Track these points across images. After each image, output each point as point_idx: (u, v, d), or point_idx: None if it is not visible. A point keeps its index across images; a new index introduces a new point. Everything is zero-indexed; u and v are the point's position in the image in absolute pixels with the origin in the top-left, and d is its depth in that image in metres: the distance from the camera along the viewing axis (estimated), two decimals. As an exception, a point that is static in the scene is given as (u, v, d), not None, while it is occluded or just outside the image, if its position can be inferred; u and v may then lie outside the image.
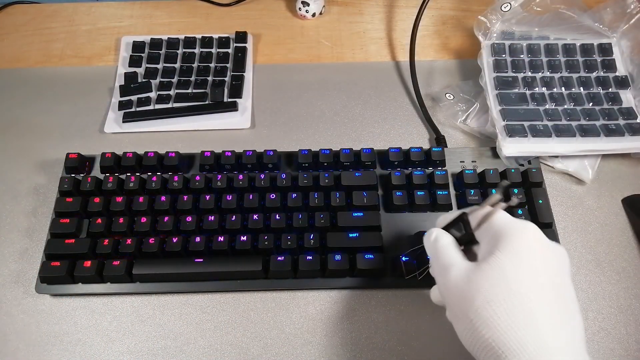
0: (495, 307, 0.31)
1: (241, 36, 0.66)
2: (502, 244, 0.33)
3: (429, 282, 0.40)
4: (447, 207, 0.51)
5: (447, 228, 0.39)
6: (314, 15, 0.69)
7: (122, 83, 0.62)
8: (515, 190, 0.51)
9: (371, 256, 0.47)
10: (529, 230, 0.34)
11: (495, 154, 0.55)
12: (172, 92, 0.61)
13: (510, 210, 0.50)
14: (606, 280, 0.50)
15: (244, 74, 0.63)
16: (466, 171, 0.52)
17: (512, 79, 0.58)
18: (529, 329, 0.30)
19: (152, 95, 0.61)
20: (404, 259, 0.47)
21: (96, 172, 0.54)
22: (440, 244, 0.37)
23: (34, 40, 0.68)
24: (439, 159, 0.53)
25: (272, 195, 0.50)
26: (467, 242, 0.37)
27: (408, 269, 0.46)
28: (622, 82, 0.58)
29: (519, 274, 0.32)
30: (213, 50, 0.65)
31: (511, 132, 0.54)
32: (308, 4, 0.68)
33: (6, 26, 0.69)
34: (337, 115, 0.61)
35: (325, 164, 0.53)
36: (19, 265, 0.51)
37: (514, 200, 0.39)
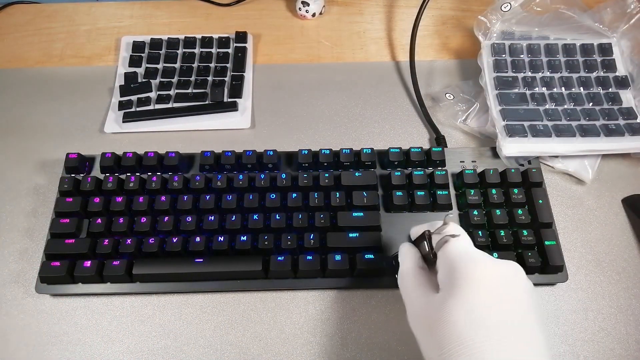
0: (452, 359, 0.31)
1: (241, 36, 0.66)
2: (455, 283, 0.34)
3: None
4: (447, 207, 0.51)
5: (417, 241, 0.41)
6: (314, 15, 0.69)
7: (122, 83, 0.62)
8: (515, 190, 0.51)
9: (371, 256, 0.47)
10: (478, 267, 0.34)
11: (495, 154, 0.55)
12: (172, 92, 0.61)
13: (511, 211, 0.50)
14: (606, 280, 0.50)
15: (244, 74, 0.63)
16: (466, 171, 0.52)
17: (512, 79, 0.58)
18: None
19: (152, 95, 0.61)
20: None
21: (96, 172, 0.54)
22: (404, 267, 0.39)
23: (34, 40, 0.68)
24: (439, 159, 0.53)
25: (272, 195, 0.50)
26: (431, 262, 0.38)
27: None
28: (622, 82, 0.58)
29: (469, 321, 0.32)
30: (213, 50, 0.65)
31: (511, 132, 0.54)
32: (308, 4, 0.68)
33: (6, 26, 0.69)
34: (337, 115, 0.61)
35: (325, 164, 0.53)
36: (19, 265, 0.51)
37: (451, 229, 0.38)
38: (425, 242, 0.38)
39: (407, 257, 0.39)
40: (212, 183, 0.52)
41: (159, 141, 0.59)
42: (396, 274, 0.40)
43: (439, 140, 0.58)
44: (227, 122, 0.60)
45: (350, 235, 0.49)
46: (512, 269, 0.35)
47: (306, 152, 0.53)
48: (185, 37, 0.65)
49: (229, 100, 0.60)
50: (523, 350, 0.31)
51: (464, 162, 0.55)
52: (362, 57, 0.66)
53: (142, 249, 0.48)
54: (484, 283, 0.33)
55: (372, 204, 0.50)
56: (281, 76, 0.65)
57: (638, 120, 0.56)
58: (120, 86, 0.61)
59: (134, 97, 0.61)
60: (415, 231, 0.41)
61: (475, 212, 0.50)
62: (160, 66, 0.63)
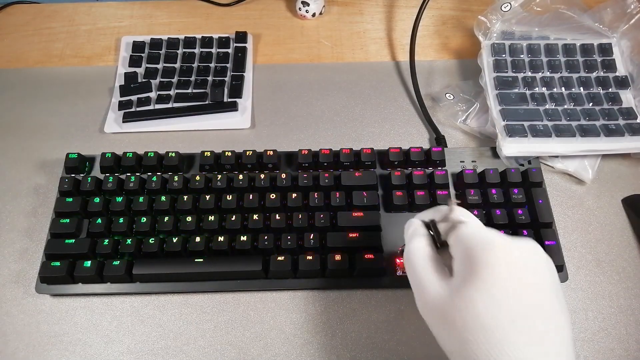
0: (473, 347, 0.30)
1: (241, 36, 0.66)
2: (473, 270, 0.31)
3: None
4: (447, 207, 0.51)
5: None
6: (314, 15, 0.69)
7: (122, 83, 0.62)
8: (515, 190, 0.51)
9: (371, 256, 0.47)
10: (497, 247, 0.32)
11: (495, 154, 0.55)
12: (172, 92, 0.61)
13: (511, 211, 0.50)
14: (606, 280, 0.50)
15: (244, 74, 0.63)
16: (466, 171, 0.52)
17: (512, 79, 0.58)
18: None
19: (152, 95, 0.61)
20: (399, 261, 0.48)
21: (96, 172, 0.54)
22: (414, 249, 0.36)
23: (34, 40, 0.68)
24: (439, 159, 0.53)
25: (272, 195, 0.50)
26: (442, 244, 0.36)
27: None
28: (622, 82, 0.58)
29: (492, 310, 0.30)
30: (213, 50, 0.65)
31: (511, 132, 0.54)
32: (308, 4, 0.68)
33: (6, 26, 0.69)
34: (337, 115, 0.61)
35: (325, 164, 0.53)
36: (19, 265, 0.51)
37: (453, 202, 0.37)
38: (431, 231, 0.37)
39: (417, 235, 0.36)
40: (212, 183, 0.52)
41: (159, 141, 0.59)
42: (397, 271, 0.38)
43: (439, 140, 0.58)
44: (227, 122, 0.60)
45: (351, 235, 0.49)
46: (531, 248, 0.33)
47: (306, 152, 0.53)
48: (185, 37, 0.65)
49: (229, 100, 0.60)
50: (550, 337, 0.30)
51: (464, 162, 0.55)
52: (362, 57, 0.66)
53: (142, 249, 0.48)
54: (504, 267, 0.31)
55: (372, 204, 0.50)
56: (281, 76, 0.65)
57: (638, 120, 0.56)
58: (120, 86, 0.61)
59: (134, 97, 0.61)
60: (417, 220, 0.38)
61: (475, 212, 0.50)
62: (160, 66, 0.63)
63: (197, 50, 0.65)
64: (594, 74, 0.59)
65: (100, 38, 0.68)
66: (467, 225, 0.34)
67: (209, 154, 0.53)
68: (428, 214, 0.38)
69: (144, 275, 0.48)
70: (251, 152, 0.53)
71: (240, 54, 0.64)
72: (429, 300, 0.33)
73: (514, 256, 0.32)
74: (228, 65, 0.64)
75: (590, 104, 0.57)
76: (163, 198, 0.51)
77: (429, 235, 0.37)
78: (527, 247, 0.33)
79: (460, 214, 0.36)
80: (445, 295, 0.32)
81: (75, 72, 0.65)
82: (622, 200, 0.54)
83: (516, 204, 0.51)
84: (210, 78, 0.62)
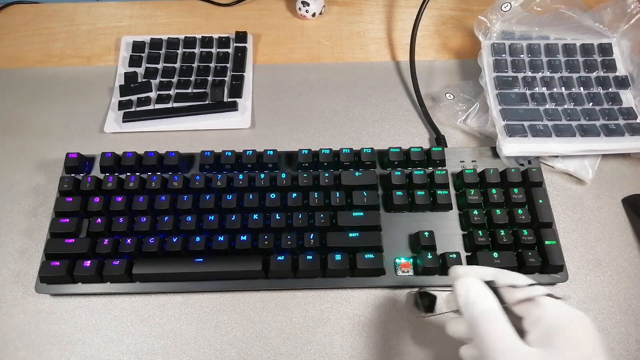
0: None
1: (241, 36, 0.66)
2: (560, 340, 0.32)
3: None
4: (447, 207, 0.51)
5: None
6: (314, 15, 0.69)
7: (122, 83, 0.62)
8: (515, 190, 0.51)
9: (371, 256, 0.47)
10: (585, 323, 0.33)
11: (495, 153, 0.55)
12: (172, 92, 0.61)
13: (511, 210, 0.50)
14: (606, 280, 0.50)
15: (244, 74, 0.63)
16: (466, 171, 0.52)
17: (512, 79, 0.58)
18: None
19: (152, 95, 0.61)
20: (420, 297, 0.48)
21: (96, 172, 0.54)
22: (486, 306, 0.35)
23: (34, 40, 0.68)
24: (439, 158, 0.53)
25: (272, 195, 0.50)
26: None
27: (424, 305, 0.46)
28: (622, 82, 0.58)
29: None
30: (213, 50, 0.65)
31: (511, 131, 0.54)
32: (308, 4, 0.68)
33: (6, 26, 0.69)
34: (337, 115, 0.61)
35: (325, 163, 0.53)
36: (18, 265, 0.51)
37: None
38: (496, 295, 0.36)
39: (487, 296, 0.35)
40: (212, 183, 0.52)
41: (159, 141, 0.59)
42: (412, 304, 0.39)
43: (439, 140, 0.58)
44: (227, 122, 0.60)
45: (350, 235, 0.49)
46: (590, 324, 0.34)
47: (306, 152, 0.53)
48: (185, 37, 0.65)
49: (229, 100, 0.60)
50: None
51: (464, 162, 0.55)
52: (362, 57, 0.66)
53: (142, 249, 0.48)
54: (583, 344, 0.32)
55: (372, 203, 0.50)
56: (281, 76, 0.64)
57: (638, 120, 0.56)
58: (120, 86, 0.61)
59: (134, 97, 0.61)
60: (479, 281, 0.37)
61: (475, 212, 0.50)
62: (160, 66, 0.63)
63: (197, 50, 0.65)
64: (594, 74, 0.59)
65: (100, 38, 0.68)
66: (556, 302, 0.35)
67: (209, 154, 0.53)
68: (487, 271, 0.38)
69: (143, 275, 0.48)
70: (251, 152, 0.53)
71: (240, 54, 0.64)
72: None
73: (589, 334, 0.33)
74: (228, 65, 0.64)
75: (590, 103, 0.57)
76: (163, 198, 0.50)
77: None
78: (591, 325, 0.34)
79: (542, 290, 0.35)
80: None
81: (75, 72, 0.65)
82: (622, 200, 0.54)
83: (516, 204, 0.51)
84: (210, 78, 0.62)
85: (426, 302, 0.45)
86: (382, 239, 0.49)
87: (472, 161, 0.55)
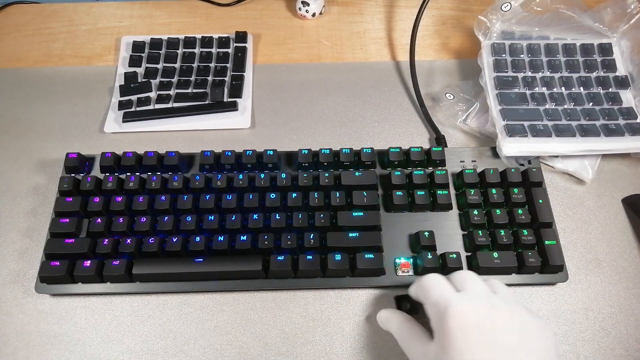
0: None
1: (241, 36, 0.66)
2: (437, 333, 0.39)
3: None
4: (447, 207, 0.51)
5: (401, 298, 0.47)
6: (314, 15, 0.69)
7: (122, 83, 0.62)
8: (515, 190, 0.51)
9: (371, 256, 0.47)
10: (451, 312, 0.38)
11: (495, 153, 0.55)
12: (172, 92, 0.61)
13: (511, 210, 0.50)
14: (606, 280, 0.50)
15: (244, 74, 0.63)
16: (466, 171, 0.52)
17: (512, 79, 0.58)
18: None
19: (152, 95, 0.61)
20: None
21: (96, 171, 0.54)
22: (394, 328, 0.44)
23: (34, 40, 0.68)
24: (439, 158, 0.53)
25: (272, 195, 0.50)
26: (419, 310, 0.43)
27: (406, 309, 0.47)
28: (622, 82, 0.58)
29: None
30: (213, 50, 0.65)
31: (511, 131, 0.54)
32: (308, 4, 0.68)
33: (6, 26, 0.69)
34: (337, 115, 0.61)
35: (325, 163, 0.53)
36: (18, 265, 0.51)
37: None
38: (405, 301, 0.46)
39: (392, 322, 0.44)
40: (212, 183, 0.52)
41: (159, 141, 0.59)
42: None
43: (439, 140, 0.58)
44: (227, 122, 0.60)
45: (350, 235, 0.49)
46: (483, 304, 0.39)
47: (306, 152, 0.53)
48: (185, 37, 0.65)
49: (229, 100, 0.60)
50: None
51: (464, 162, 0.55)
52: (362, 57, 0.66)
53: (142, 249, 0.48)
54: (462, 331, 0.37)
55: (372, 203, 0.50)
56: (281, 76, 0.65)
57: (638, 120, 0.56)
58: (120, 86, 0.61)
59: (134, 97, 0.61)
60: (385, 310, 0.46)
61: (475, 212, 0.50)
62: (160, 66, 0.63)
63: (197, 50, 0.65)
64: (594, 74, 0.59)
65: (100, 38, 0.68)
66: (423, 279, 0.42)
67: (209, 154, 0.53)
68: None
69: (143, 275, 0.48)
70: (251, 152, 0.53)
71: (240, 53, 0.64)
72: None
73: (470, 314, 0.38)
74: (228, 65, 0.64)
75: (590, 103, 0.57)
76: (163, 198, 0.50)
77: (401, 314, 0.45)
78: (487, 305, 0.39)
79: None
80: (429, 355, 0.39)
81: (75, 72, 0.65)
82: (622, 200, 0.54)
83: (516, 204, 0.51)
84: (210, 78, 0.62)
85: (407, 306, 0.46)
86: (382, 239, 0.49)
87: (472, 161, 0.55)
